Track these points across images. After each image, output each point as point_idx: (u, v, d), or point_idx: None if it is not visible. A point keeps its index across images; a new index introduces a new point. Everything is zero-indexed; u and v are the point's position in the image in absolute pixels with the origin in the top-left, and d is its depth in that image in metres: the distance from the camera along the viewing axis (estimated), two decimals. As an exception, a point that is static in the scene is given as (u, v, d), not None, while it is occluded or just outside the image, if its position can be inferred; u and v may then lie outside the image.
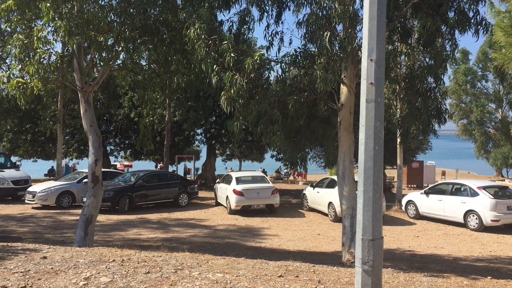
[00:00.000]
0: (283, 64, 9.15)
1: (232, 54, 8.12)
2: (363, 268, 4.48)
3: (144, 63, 12.53)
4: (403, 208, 20.40)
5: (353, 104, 9.47)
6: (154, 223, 17.15)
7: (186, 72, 12.37)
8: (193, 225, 17.00)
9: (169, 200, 21.44)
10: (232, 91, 8.23)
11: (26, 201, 20.48)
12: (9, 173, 22.31)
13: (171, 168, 31.15)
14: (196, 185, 23.75)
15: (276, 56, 9.30)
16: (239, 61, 8.50)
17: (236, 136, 8.83)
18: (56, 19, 8.73)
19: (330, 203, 18.51)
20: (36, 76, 9.16)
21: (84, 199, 18.48)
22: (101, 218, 16.70)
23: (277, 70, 9.51)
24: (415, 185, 34.31)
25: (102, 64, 10.59)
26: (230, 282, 6.16)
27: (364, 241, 4.48)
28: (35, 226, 15.87)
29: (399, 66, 15.79)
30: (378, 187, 4.55)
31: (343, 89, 9.46)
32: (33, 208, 20.04)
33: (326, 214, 19.14)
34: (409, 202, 19.84)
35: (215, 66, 8.29)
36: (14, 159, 31.71)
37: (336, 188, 18.30)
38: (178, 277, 6.43)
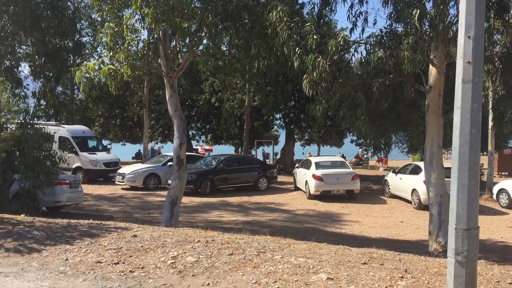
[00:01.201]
0: (368, 45, 8.84)
1: (314, 36, 7.97)
2: (457, 259, 4.23)
3: (225, 49, 12.68)
4: (494, 196, 19.18)
5: (443, 86, 8.96)
6: (234, 206, 17.49)
7: (267, 56, 12.36)
8: (272, 209, 17.13)
9: (249, 184, 21.74)
10: (314, 74, 8.09)
11: (116, 182, 21.70)
12: (101, 155, 23.70)
13: (252, 153, 31.57)
14: (275, 170, 23.88)
15: (360, 37, 9.00)
16: (322, 43, 8.33)
17: (318, 120, 8.70)
18: (144, 7, 9.03)
19: (414, 190, 17.83)
20: (125, 63, 9.57)
21: (169, 182, 19.27)
22: (185, 200, 17.31)
23: (361, 52, 9.20)
24: (506, 173, 32.16)
25: (186, 50, 10.84)
26: (313, 267, 6.11)
27: (458, 231, 4.22)
28: (124, 206, 16.78)
29: (494, 45, 14.73)
30: (474, 173, 4.26)
31: (432, 70, 8.97)
32: (122, 189, 21.19)
33: (409, 201, 18.47)
34: (501, 190, 18.61)
35: (297, 49, 8.18)
36: (105, 142, 33.67)
37: (420, 174, 17.69)
38: (260, 259, 6.48)
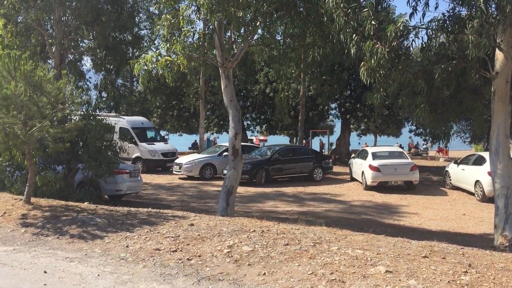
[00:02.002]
0: (429, 30, 8.46)
1: (372, 22, 7.71)
2: (527, 254, 3.97)
3: (279, 38, 12.58)
4: None
5: (511, 72, 8.45)
6: (289, 197, 17.44)
7: (322, 44, 12.15)
8: (328, 199, 16.94)
9: (304, 174, 21.61)
10: (372, 61, 7.85)
11: (173, 172, 22.21)
12: (159, 146, 24.32)
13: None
14: (330, 160, 23.59)
15: (421, 22, 8.63)
16: (380, 29, 8.06)
17: (376, 108, 8.45)
18: (199, -3, 9.09)
19: (477, 181, 17.04)
20: (182, 54, 9.70)
21: (224, 171, 19.48)
22: (240, 190, 17.40)
23: (421, 38, 8.82)
24: None
25: (240, 40, 10.84)
26: (371, 260, 5.97)
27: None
28: (181, 195, 17.15)
29: None
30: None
31: (499, 55, 8.47)
32: (179, 178, 21.67)
33: (471, 193, 17.69)
34: None
35: (354, 35, 7.97)
36: (162, 133, 34.53)
37: (485, 165, 16.86)
38: (316, 250, 6.41)
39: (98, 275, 5.80)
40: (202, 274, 5.79)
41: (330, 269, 5.71)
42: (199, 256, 6.43)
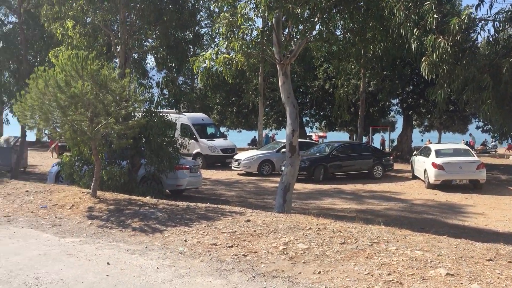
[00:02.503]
0: (496, 22, 8.04)
1: (435, 15, 7.43)
2: None
3: (338, 33, 12.40)
4: None
5: None
6: (348, 194, 17.20)
7: (383, 39, 11.87)
8: (388, 198, 16.54)
9: (363, 172, 21.22)
10: (434, 56, 7.58)
11: (232, 167, 22.52)
12: (219, 142, 24.74)
13: (364, 140, 30.79)
14: (391, 157, 23.01)
15: (488, 14, 8.22)
16: (443, 22, 7.76)
17: (439, 104, 8.15)
18: (257, -5, 9.14)
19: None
20: (240, 51, 9.80)
21: (282, 168, 19.51)
22: (298, 186, 17.39)
23: (488, 30, 8.42)
24: None
25: (298, 36, 10.79)
26: (431, 261, 5.78)
27: None
28: (240, 191, 17.35)
29: None
30: None
31: None
32: (238, 174, 21.93)
33: (544, 194, 16.68)
34: None
35: (415, 29, 7.72)
36: (222, 129, 35.06)
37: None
38: (374, 250, 6.28)
39: (157, 268, 6.00)
40: (257, 270, 5.84)
41: (387, 270, 5.58)
42: (255, 252, 6.48)
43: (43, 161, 25.52)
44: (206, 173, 20.28)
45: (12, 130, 29.93)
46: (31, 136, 21.92)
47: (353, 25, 11.46)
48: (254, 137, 40.33)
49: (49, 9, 15.10)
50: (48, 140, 30.81)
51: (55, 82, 8.77)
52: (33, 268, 5.97)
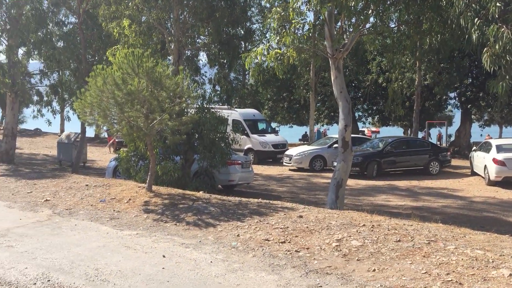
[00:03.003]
0: None
1: (497, 4, 7.06)
2: None
3: (393, 25, 12.06)
4: None
5: None
6: (402, 190, 16.75)
7: (440, 30, 11.42)
8: (445, 195, 15.97)
9: (419, 168, 20.60)
10: (496, 47, 7.20)
11: (283, 163, 22.47)
12: (270, 137, 24.74)
13: (420, 135, 29.88)
14: (448, 153, 22.19)
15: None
16: (506, 11, 7.36)
17: (500, 97, 7.77)
18: (310, -12, 9.04)
19: None
20: (292, 46, 9.73)
21: (334, 163, 19.26)
22: (350, 182, 17.11)
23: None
24: None
25: (351, 29, 10.58)
26: (493, 262, 5.53)
27: None
28: (291, 186, 17.30)
29: None
30: None
31: None
32: (289, 170, 21.86)
33: None
34: None
35: (476, 19, 7.37)
36: (273, 125, 35.08)
37: None
38: (431, 249, 6.09)
39: (211, 262, 6.08)
40: (310, 266, 5.80)
41: (446, 270, 5.39)
42: (307, 248, 6.44)
43: (101, 156, 26.50)
44: (257, 169, 20.35)
45: (73, 126, 31.30)
46: (90, 132, 22.81)
47: (408, 16, 11.11)
48: (305, 132, 40.08)
49: (106, 9, 15.62)
50: (106, 136, 31.96)
51: (113, 80, 9.05)
52: (93, 259, 6.21)
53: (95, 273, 5.69)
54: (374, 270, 5.55)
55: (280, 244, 6.66)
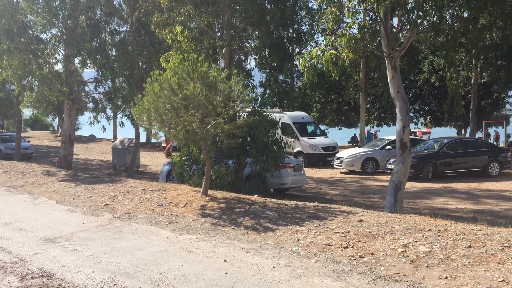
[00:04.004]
0: None
1: None
2: None
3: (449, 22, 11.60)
4: None
5: None
6: (461, 193, 16.10)
7: (502, 25, 10.90)
8: (508, 197, 15.21)
9: (477, 169, 19.77)
10: None
11: (334, 166, 22.13)
12: (319, 140, 24.47)
13: (477, 135, 28.73)
14: (509, 154, 21.19)
15: None
16: None
17: None
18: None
19: None
20: (347, 46, 9.52)
21: (387, 166, 18.79)
22: (405, 185, 16.63)
23: None
24: None
25: (408, 27, 10.26)
26: None
27: None
28: (343, 189, 16.98)
29: None
30: None
31: None
32: (340, 172, 21.52)
33: None
34: None
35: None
36: (322, 127, 34.72)
37: None
38: (506, 255, 5.75)
39: (273, 267, 5.98)
40: (377, 273, 5.59)
41: (525, 278, 5.07)
42: (372, 254, 6.23)
43: (153, 161, 27.05)
44: (308, 172, 20.10)
45: (125, 132, 32.14)
46: (142, 137, 23.28)
47: (469, 11, 10.66)
48: (354, 134, 39.45)
49: (159, 16, 15.90)
50: (162, 141, 32.55)
51: (169, 85, 9.15)
52: (156, 263, 6.25)
53: (160, 277, 5.72)
54: (446, 278, 5.28)
55: (343, 249, 6.48)
